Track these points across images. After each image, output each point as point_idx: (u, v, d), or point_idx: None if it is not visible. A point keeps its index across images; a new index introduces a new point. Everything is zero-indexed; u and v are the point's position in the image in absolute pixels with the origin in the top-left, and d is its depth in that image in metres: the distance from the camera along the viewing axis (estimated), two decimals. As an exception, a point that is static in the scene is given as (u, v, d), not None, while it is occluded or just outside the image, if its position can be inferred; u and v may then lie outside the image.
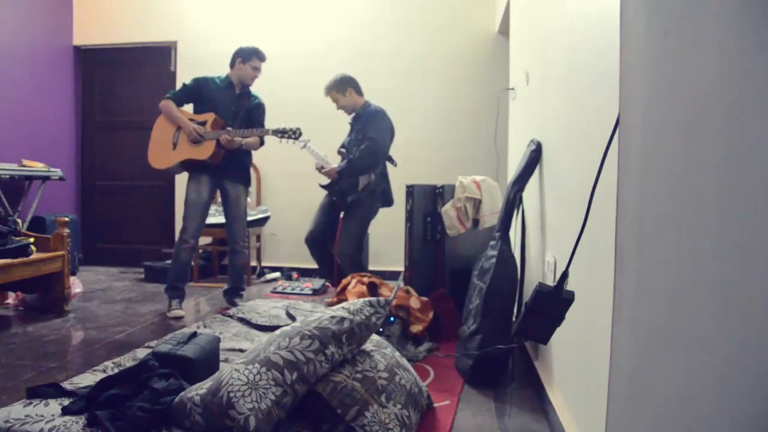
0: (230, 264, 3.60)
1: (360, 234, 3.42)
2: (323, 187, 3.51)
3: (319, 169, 3.48)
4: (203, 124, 3.29)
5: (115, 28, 5.13)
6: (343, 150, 3.44)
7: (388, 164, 3.57)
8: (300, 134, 3.28)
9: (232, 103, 3.38)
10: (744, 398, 0.55)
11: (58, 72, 5.01)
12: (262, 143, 3.46)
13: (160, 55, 5.12)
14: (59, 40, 5.04)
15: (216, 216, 4.26)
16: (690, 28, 0.68)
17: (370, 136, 3.29)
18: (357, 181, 3.35)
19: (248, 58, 3.36)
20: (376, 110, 3.44)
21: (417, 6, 4.73)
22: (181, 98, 3.37)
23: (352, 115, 3.55)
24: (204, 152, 3.25)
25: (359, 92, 3.50)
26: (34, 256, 3.11)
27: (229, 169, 3.40)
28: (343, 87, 3.45)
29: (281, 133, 3.28)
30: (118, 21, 5.13)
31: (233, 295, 3.59)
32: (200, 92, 3.36)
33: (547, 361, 2.08)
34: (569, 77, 1.78)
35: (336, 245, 3.49)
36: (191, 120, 3.31)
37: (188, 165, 3.33)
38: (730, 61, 0.59)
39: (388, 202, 3.52)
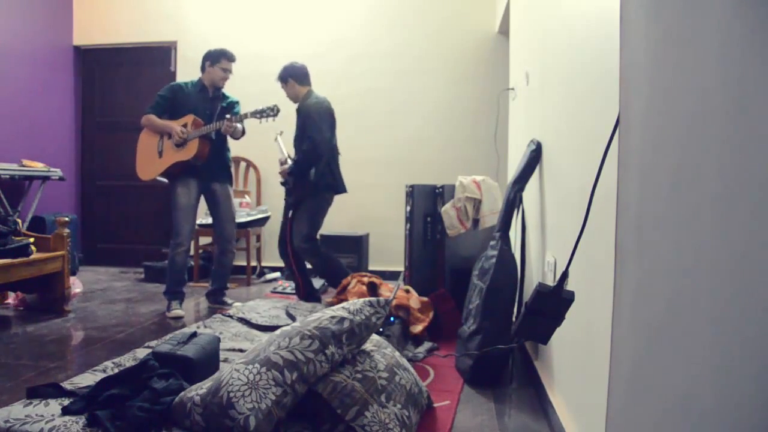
0: (219, 264, 3.60)
1: (309, 229, 3.36)
2: (281, 184, 3.51)
3: (282, 163, 3.46)
4: (183, 126, 3.33)
5: (115, 28, 5.13)
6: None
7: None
8: (278, 110, 3.27)
9: (207, 106, 3.42)
10: (743, 398, 0.55)
11: (58, 72, 5.00)
12: (243, 132, 3.46)
13: (160, 55, 5.12)
14: (59, 40, 5.03)
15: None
16: (690, 28, 0.68)
17: (309, 134, 3.28)
18: (303, 180, 3.33)
19: (217, 60, 3.39)
20: (311, 104, 3.36)
21: (417, 6, 4.73)
22: (161, 110, 3.40)
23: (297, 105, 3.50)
24: (188, 153, 3.29)
25: (302, 82, 3.43)
26: (34, 256, 3.12)
27: (215, 170, 3.44)
28: (284, 77, 3.42)
29: (259, 114, 3.28)
30: (118, 21, 5.13)
31: (220, 295, 3.60)
32: (176, 99, 3.41)
33: (547, 361, 2.08)
34: (569, 77, 1.78)
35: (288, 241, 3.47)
36: None
37: (175, 170, 3.35)
38: (730, 61, 0.59)
39: (337, 190, 3.45)
